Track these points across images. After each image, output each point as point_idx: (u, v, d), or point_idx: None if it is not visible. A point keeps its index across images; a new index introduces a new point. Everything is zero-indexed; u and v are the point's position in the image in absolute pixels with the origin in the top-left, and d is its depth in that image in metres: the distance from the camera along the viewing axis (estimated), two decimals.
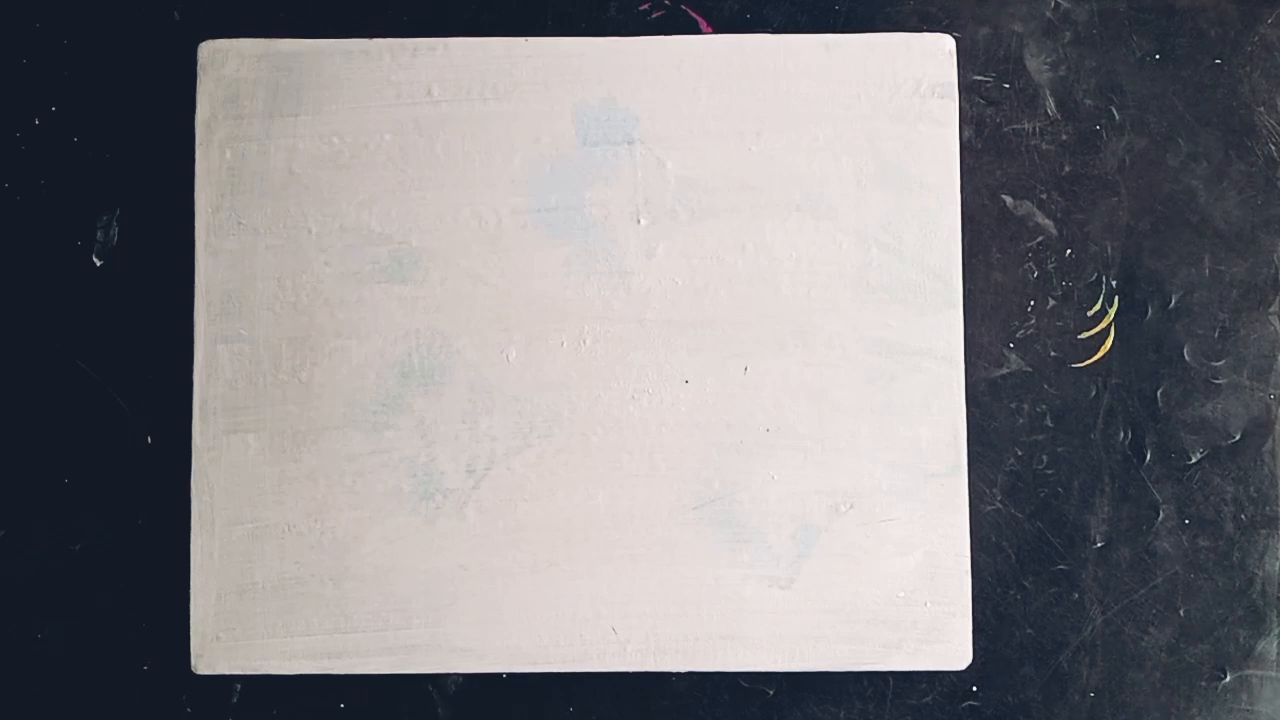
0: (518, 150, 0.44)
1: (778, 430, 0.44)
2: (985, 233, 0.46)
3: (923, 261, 0.44)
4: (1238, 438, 0.46)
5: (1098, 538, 0.45)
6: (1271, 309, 0.46)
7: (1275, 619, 0.45)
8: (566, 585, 0.43)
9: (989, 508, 0.45)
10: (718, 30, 0.46)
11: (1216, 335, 0.46)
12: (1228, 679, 0.45)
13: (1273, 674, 0.45)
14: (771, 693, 0.45)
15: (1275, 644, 0.45)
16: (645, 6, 0.46)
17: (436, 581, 0.43)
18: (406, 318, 0.44)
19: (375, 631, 0.44)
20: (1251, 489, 0.45)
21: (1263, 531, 0.45)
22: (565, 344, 0.44)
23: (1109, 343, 0.46)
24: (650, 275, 0.44)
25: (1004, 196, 0.46)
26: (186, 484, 0.44)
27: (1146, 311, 0.46)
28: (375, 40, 0.44)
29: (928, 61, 0.45)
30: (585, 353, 0.44)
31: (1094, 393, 0.45)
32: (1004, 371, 0.45)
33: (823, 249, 0.44)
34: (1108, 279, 0.46)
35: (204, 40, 0.44)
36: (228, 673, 0.43)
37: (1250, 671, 0.45)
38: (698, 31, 0.46)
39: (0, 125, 0.46)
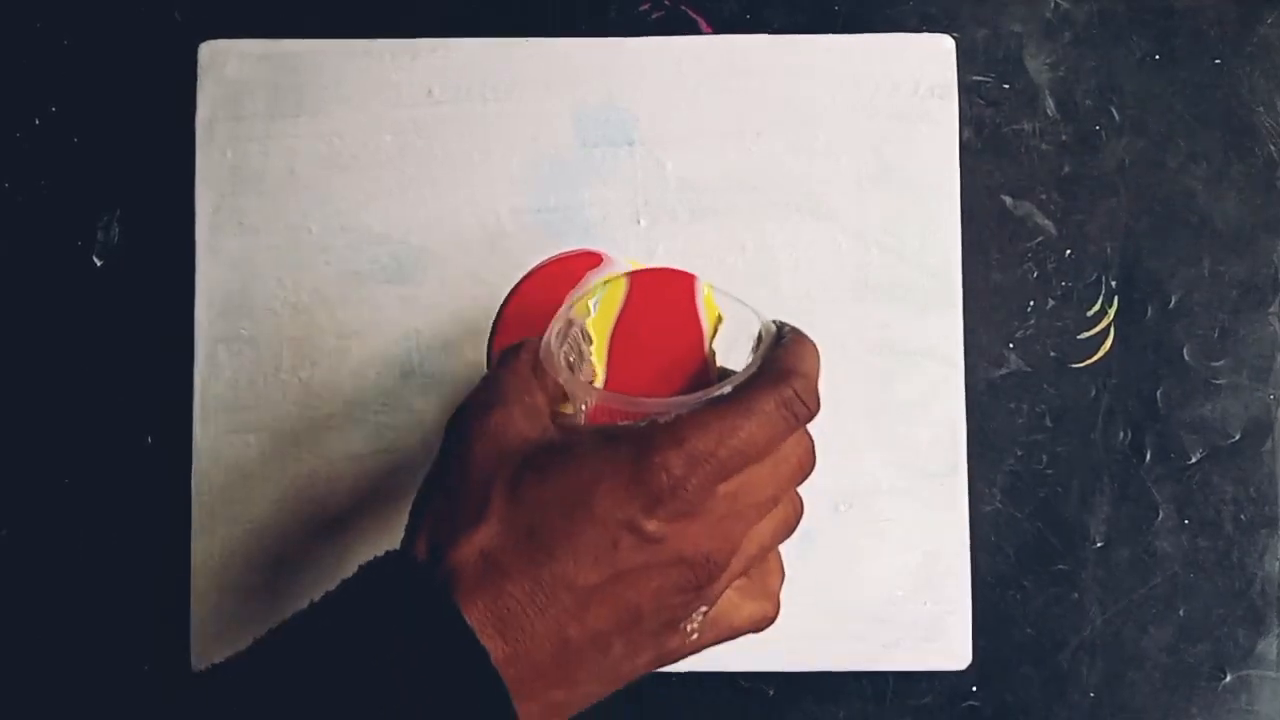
0: (518, 150, 0.44)
1: None
2: (985, 233, 0.46)
3: (923, 261, 0.44)
4: (1238, 438, 0.46)
5: (1097, 538, 0.45)
6: (1271, 309, 0.46)
7: (1275, 619, 0.45)
8: None
9: (989, 508, 0.45)
10: (718, 30, 0.46)
11: (1216, 335, 0.46)
12: (1228, 679, 0.45)
13: (1273, 674, 0.45)
14: (771, 693, 0.45)
15: (1275, 644, 0.45)
16: (645, 7, 0.46)
17: None
18: (406, 318, 0.44)
19: None
20: (1251, 489, 0.45)
21: (1263, 531, 0.45)
22: None
23: (1109, 343, 0.46)
24: None
25: (1004, 197, 0.46)
26: (186, 484, 0.44)
27: (1146, 311, 0.46)
28: (375, 40, 0.44)
29: (927, 61, 0.45)
30: None
31: (1094, 393, 0.45)
32: (1004, 371, 0.45)
33: (823, 249, 0.44)
34: (1107, 279, 0.46)
35: (204, 40, 0.44)
36: None
37: (1250, 671, 0.45)
38: (698, 31, 0.46)
39: (0, 125, 0.46)
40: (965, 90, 0.46)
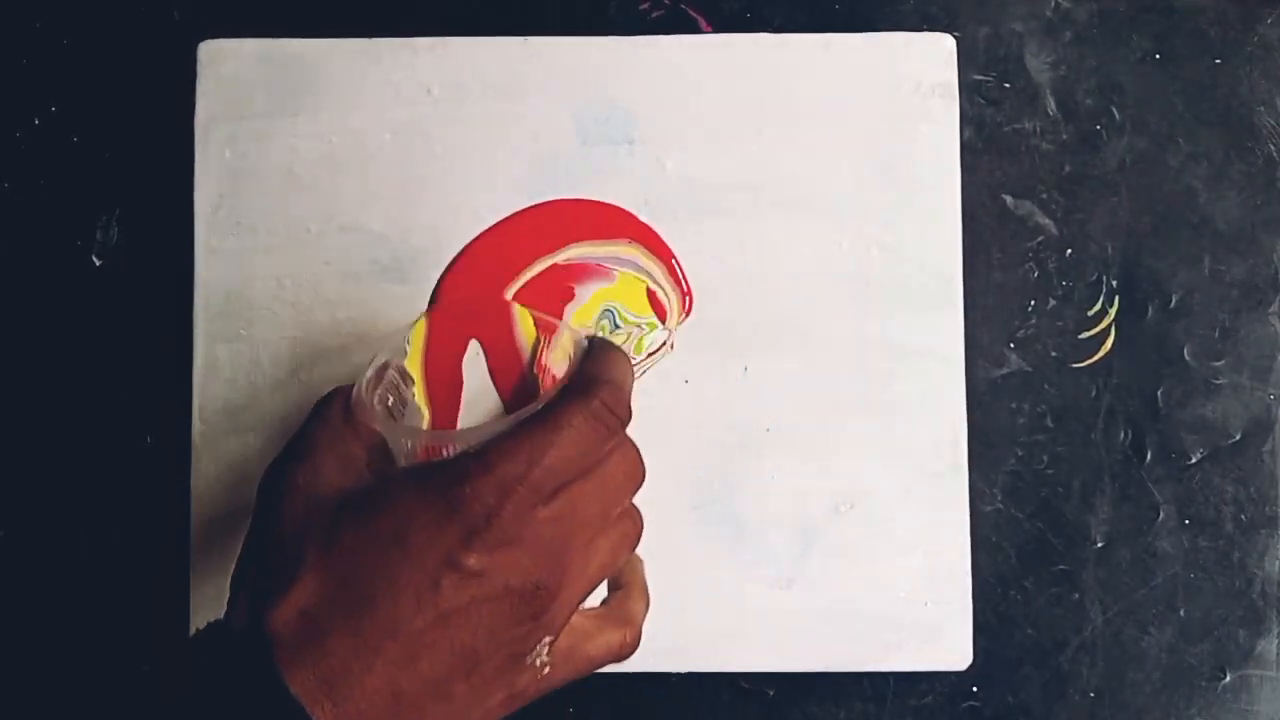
0: (518, 150, 0.44)
1: (778, 430, 0.44)
2: (985, 233, 0.46)
3: (923, 261, 0.44)
4: (1238, 438, 0.46)
5: (1098, 538, 0.45)
6: (1271, 309, 0.46)
7: (1275, 619, 0.45)
8: None
9: (989, 508, 0.45)
10: (718, 30, 0.46)
11: (1216, 335, 0.46)
12: (1228, 679, 0.45)
13: (1273, 674, 0.45)
14: (771, 693, 0.45)
15: (1275, 644, 0.45)
16: (645, 6, 0.46)
17: None
18: (406, 318, 0.44)
19: None
20: (1251, 489, 0.45)
21: (1263, 531, 0.45)
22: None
23: (1109, 343, 0.46)
24: None
25: (1004, 196, 0.46)
26: (186, 484, 0.44)
27: (1146, 311, 0.46)
28: (375, 40, 0.44)
29: (928, 61, 0.45)
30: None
31: (1094, 393, 0.45)
32: (1004, 371, 0.45)
33: (823, 249, 0.44)
34: (1108, 279, 0.46)
35: (204, 40, 0.44)
36: None
37: (1250, 671, 0.45)
38: (698, 31, 0.46)
39: (0, 125, 0.46)
40: (966, 89, 0.46)
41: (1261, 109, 0.46)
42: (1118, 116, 0.46)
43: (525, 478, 0.29)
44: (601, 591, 0.35)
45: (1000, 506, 0.45)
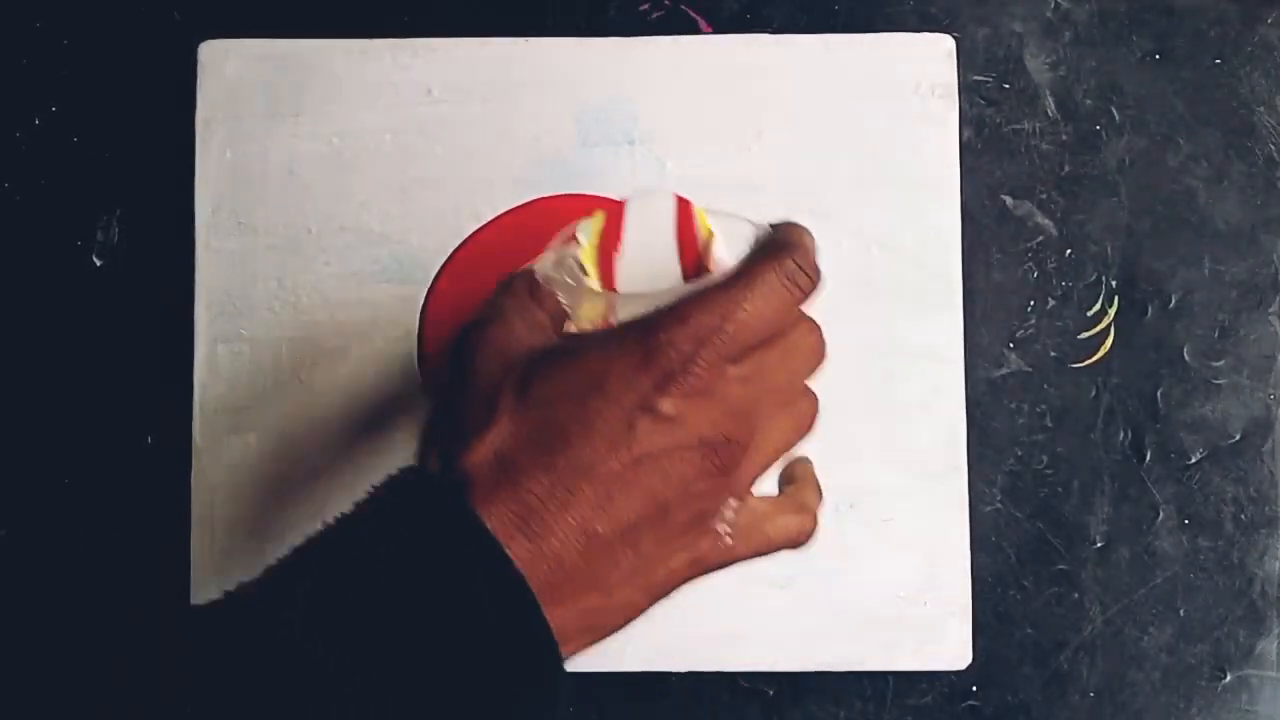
0: (518, 150, 0.44)
1: None
2: (985, 233, 0.46)
3: (923, 261, 0.44)
4: (1238, 438, 0.46)
5: (1098, 538, 0.45)
6: (1271, 309, 0.46)
7: (1275, 619, 0.45)
8: None
9: (989, 508, 0.45)
10: (718, 30, 0.46)
11: (1216, 335, 0.46)
12: (1228, 679, 0.45)
13: (1273, 674, 0.45)
14: (771, 693, 0.45)
15: (1275, 644, 0.45)
16: (645, 7, 0.46)
17: None
18: (406, 318, 0.44)
19: None
20: (1251, 489, 0.45)
21: (1263, 531, 0.45)
22: None
23: (1109, 343, 0.46)
24: None
25: (1004, 196, 0.46)
26: (186, 484, 0.44)
27: (1146, 311, 0.46)
28: (375, 40, 0.44)
29: (928, 61, 0.45)
30: None
31: (1094, 393, 0.45)
32: (1004, 371, 0.45)
33: (823, 249, 0.44)
34: (1108, 279, 0.46)
35: (204, 40, 0.44)
36: None
37: (1250, 671, 0.45)
38: (698, 31, 0.46)
39: (0, 125, 0.46)
40: (965, 90, 0.46)
41: (1261, 109, 0.46)
42: (1117, 117, 0.46)
43: (720, 329, 0.30)
44: (774, 487, 0.36)
45: (1000, 506, 0.45)
